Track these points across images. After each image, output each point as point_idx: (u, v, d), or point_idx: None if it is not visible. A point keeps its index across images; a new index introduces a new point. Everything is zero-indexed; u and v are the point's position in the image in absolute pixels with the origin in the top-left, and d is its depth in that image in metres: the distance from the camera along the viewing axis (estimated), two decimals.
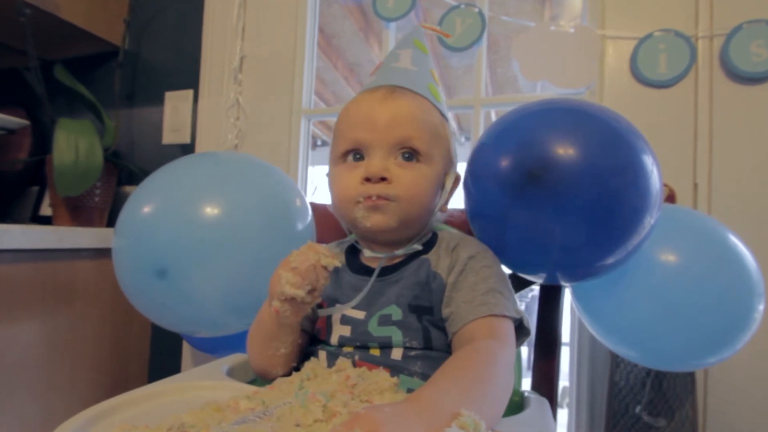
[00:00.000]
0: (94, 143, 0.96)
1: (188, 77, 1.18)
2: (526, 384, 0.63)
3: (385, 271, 0.48)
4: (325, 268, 0.41)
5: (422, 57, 0.53)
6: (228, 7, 1.14)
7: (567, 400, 1.01)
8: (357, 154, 0.47)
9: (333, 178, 0.49)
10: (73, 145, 0.93)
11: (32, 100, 1.28)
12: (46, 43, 1.21)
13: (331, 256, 0.41)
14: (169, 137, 1.21)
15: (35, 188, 1.28)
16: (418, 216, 0.47)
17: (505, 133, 0.50)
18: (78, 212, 1.05)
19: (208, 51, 1.16)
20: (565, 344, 0.77)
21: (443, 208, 0.52)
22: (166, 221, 0.54)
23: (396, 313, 0.45)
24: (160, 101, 1.22)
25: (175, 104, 1.20)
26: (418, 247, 0.49)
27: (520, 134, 0.49)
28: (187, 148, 1.19)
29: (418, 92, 0.49)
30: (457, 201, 0.58)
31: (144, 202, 0.56)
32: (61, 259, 0.96)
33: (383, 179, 0.45)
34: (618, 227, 0.46)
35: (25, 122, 0.99)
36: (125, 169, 1.15)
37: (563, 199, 0.44)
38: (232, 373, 0.50)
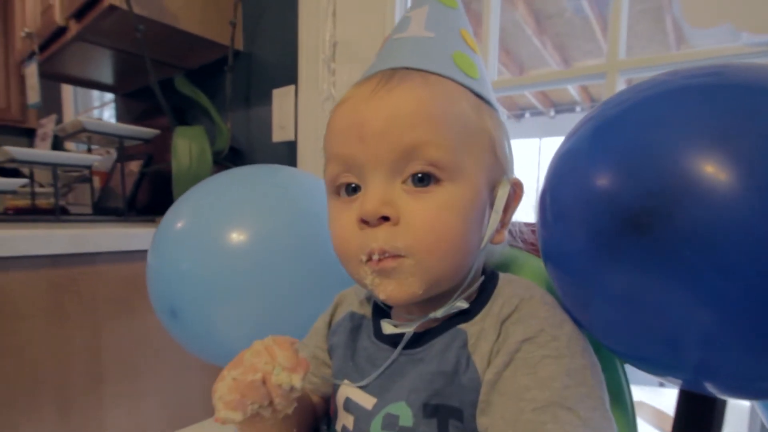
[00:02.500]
0: (205, 149, 1.03)
1: (289, 72, 1.18)
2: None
3: (413, 340, 0.35)
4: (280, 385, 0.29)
5: (444, 14, 0.35)
6: None
7: None
8: (350, 182, 0.34)
9: (328, 218, 0.37)
10: (188, 151, 1.01)
11: (179, 105, 1.46)
12: (178, 52, 1.34)
13: (293, 367, 0.30)
14: (277, 135, 1.23)
15: None
16: (453, 268, 0.32)
17: (600, 135, 0.30)
18: None
19: (303, 43, 1.12)
20: None
21: (497, 238, 0.35)
22: (179, 256, 0.49)
23: (405, 415, 0.32)
24: (269, 100, 1.25)
25: (281, 101, 1.21)
26: (462, 305, 0.34)
27: (621, 140, 0.28)
28: (292, 146, 1.20)
29: (432, 70, 0.32)
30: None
31: (167, 228, 0.53)
32: None
33: (386, 218, 0.31)
34: None
35: (155, 131, 1.11)
36: None
37: (697, 269, 0.24)
38: None
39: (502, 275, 0.37)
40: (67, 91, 2.33)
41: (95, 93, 2.29)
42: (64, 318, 0.80)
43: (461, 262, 0.33)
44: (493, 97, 0.36)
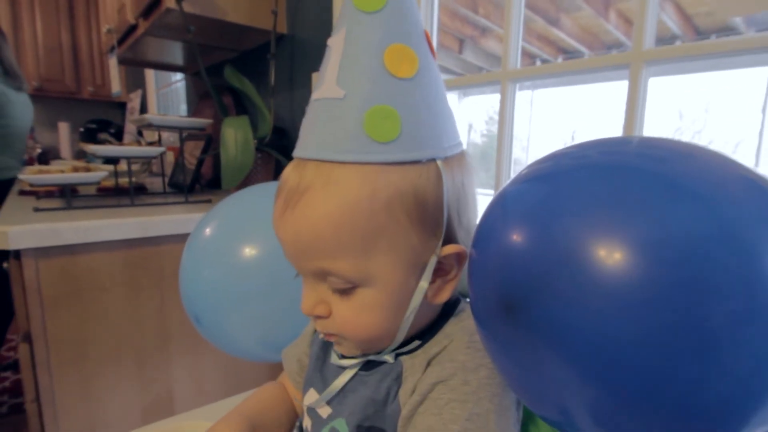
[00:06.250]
0: (248, 138, 1.12)
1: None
2: None
3: (370, 360, 0.39)
4: None
5: (363, 34, 0.30)
6: None
7: None
8: None
9: None
10: (234, 141, 1.11)
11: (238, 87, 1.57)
12: (230, 39, 1.42)
13: None
14: None
15: None
16: (381, 342, 0.37)
17: (507, 205, 0.31)
18: None
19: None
20: None
21: (440, 297, 0.36)
22: (202, 267, 0.58)
23: (344, 431, 0.37)
24: (309, 82, 1.30)
25: None
26: (389, 359, 0.37)
27: (516, 214, 0.29)
28: None
29: (336, 159, 0.31)
30: None
31: (196, 237, 0.61)
32: None
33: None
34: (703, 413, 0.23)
35: (208, 121, 1.22)
36: (279, 157, 1.30)
37: (553, 360, 0.25)
38: None
39: (460, 309, 0.39)
40: (149, 69, 2.58)
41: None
42: (138, 290, 0.97)
43: (388, 337, 0.36)
44: (432, 137, 0.32)
